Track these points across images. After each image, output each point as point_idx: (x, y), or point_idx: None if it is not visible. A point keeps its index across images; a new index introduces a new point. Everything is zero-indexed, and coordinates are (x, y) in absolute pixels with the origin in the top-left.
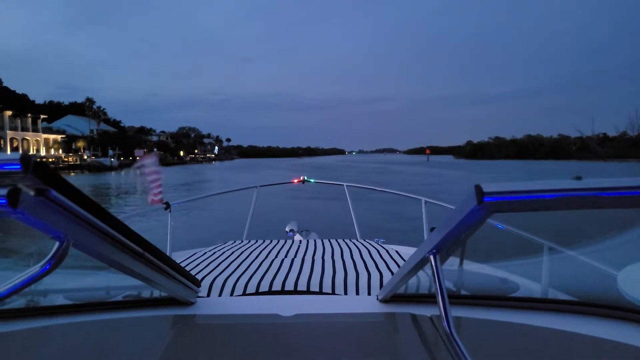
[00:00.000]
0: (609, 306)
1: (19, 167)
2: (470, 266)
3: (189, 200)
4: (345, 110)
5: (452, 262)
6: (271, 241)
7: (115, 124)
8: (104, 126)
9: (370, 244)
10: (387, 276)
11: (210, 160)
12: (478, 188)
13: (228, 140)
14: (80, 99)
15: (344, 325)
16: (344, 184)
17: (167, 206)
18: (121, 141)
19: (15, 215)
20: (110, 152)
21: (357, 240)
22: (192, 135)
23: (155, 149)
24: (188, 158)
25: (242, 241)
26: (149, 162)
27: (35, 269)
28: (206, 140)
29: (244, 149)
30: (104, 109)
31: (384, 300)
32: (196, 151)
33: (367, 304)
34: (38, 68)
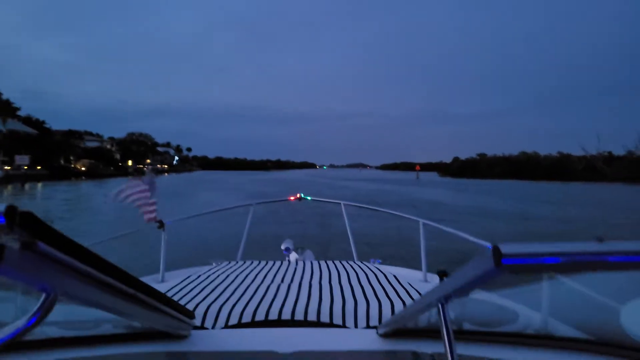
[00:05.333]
0: (611, 344)
1: (3, 220)
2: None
3: (183, 218)
4: (318, 124)
5: None
6: (267, 263)
7: (38, 124)
8: (16, 125)
9: (367, 266)
10: (385, 303)
11: (162, 172)
12: (496, 250)
13: (189, 149)
14: (43, 105)
15: None
16: (341, 202)
17: (161, 225)
18: (37, 145)
19: None
20: None
21: (355, 263)
22: (149, 143)
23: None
24: (133, 169)
25: (236, 262)
26: (146, 177)
27: (21, 322)
28: (161, 149)
29: (210, 160)
30: (14, 103)
31: (385, 335)
32: (148, 161)
33: (368, 339)
34: (2, 71)
